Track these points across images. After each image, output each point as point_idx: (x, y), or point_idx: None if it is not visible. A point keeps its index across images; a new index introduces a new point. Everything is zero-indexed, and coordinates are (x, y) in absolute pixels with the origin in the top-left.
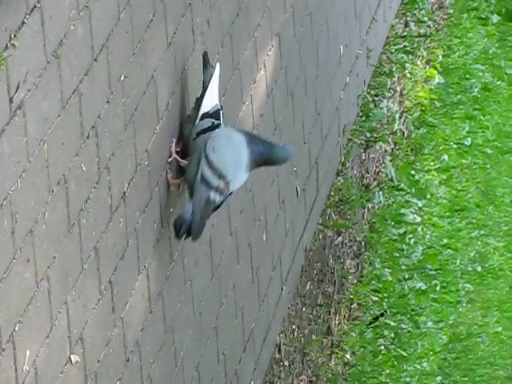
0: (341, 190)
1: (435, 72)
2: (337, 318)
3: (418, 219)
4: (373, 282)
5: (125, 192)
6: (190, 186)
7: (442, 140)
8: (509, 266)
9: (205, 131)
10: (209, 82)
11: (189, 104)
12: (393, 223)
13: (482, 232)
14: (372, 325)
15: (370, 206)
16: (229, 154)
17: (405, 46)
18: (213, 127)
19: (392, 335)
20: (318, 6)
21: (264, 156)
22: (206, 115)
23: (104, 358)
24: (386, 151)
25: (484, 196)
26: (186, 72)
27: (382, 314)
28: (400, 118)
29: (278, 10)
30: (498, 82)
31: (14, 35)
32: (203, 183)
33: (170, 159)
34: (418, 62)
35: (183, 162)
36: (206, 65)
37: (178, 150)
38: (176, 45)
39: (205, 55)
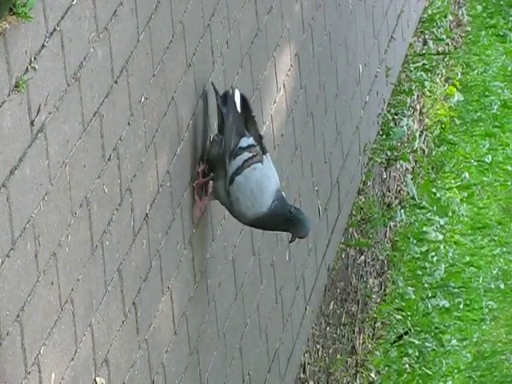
0: (362, 208)
1: (454, 90)
2: (361, 337)
3: (440, 237)
4: (396, 300)
5: (147, 213)
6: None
7: (463, 157)
8: None
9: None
10: (227, 109)
11: (210, 124)
12: (415, 241)
13: (505, 249)
14: (396, 343)
15: (391, 224)
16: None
17: (424, 64)
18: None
19: (416, 354)
20: (337, 25)
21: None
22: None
23: (129, 380)
24: (406, 169)
25: (505, 213)
26: (206, 92)
27: (406, 333)
28: (420, 136)
29: (296, 30)
30: None
31: (34, 58)
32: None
33: (196, 182)
34: (437, 80)
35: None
36: (216, 93)
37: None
38: (195, 66)
39: (212, 85)
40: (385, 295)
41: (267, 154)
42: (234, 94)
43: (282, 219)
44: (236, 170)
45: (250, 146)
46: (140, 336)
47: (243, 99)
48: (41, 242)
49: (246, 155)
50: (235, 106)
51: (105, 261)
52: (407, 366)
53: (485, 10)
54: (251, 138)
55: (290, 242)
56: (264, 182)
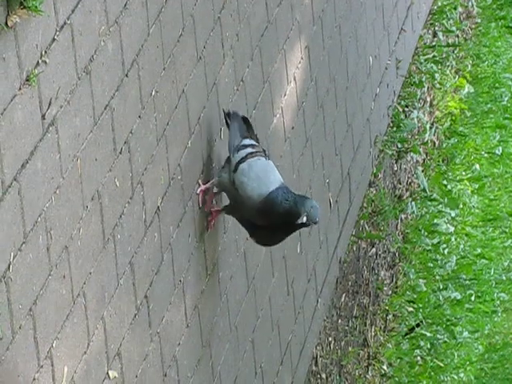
0: (373, 201)
1: (465, 81)
2: (373, 330)
3: (452, 229)
4: (408, 292)
5: (158, 207)
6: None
7: (473, 149)
8: None
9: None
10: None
11: (221, 118)
12: (426, 233)
13: None
14: (408, 336)
15: (403, 216)
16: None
17: (434, 56)
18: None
19: (428, 346)
20: (347, 17)
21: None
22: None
23: (142, 373)
24: (417, 161)
25: None
26: (216, 86)
27: (417, 325)
28: (431, 128)
29: (306, 23)
30: None
31: (45, 52)
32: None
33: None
34: (448, 72)
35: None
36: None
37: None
38: (206, 58)
39: (226, 116)
40: (396, 287)
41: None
42: (238, 113)
43: (284, 198)
44: (240, 160)
45: (252, 145)
46: (152, 329)
47: (246, 120)
48: (52, 235)
49: (250, 150)
50: (240, 119)
51: (116, 254)
52: (419, 358)
53: (494, 1)
54: (253, 141)
55: (301, 224)
56: (268, 169)
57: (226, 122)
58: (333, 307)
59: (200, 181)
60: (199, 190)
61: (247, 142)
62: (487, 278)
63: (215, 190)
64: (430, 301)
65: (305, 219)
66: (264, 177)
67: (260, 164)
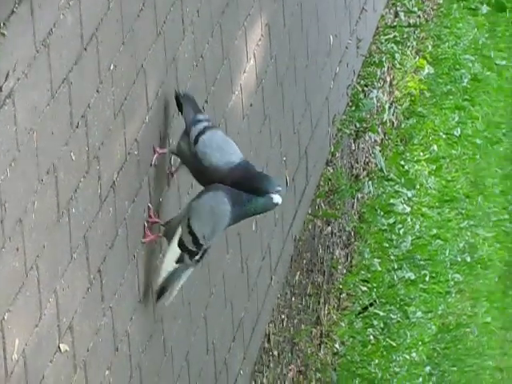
0: (330, 179)
1: (425, 62)
2: (326, 308)
3: (408, 209)
4: (362, 272)
5: (114, 181)
6: (169, 239)
7: (432, 130)
8: (498, 257)
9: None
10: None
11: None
12: (382, 213)
13: (472, 222)
14: (361, 315)
15: (359, 196)
16: (208, 227)
17: (395, 36)
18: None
19: (381, 325)
20: None
21: (248, 214)
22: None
23: (93, 347)
24: (375, 141)
25: (473, 186)
26: (175, 61)
27: (371, 304)
28: (390, 108)
29: (267, 0)
30: (488, 73)
31: (4, 24)
32: (179, 244)
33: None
34: (408, 52)
35: (161, 222)
36: (179, 102)
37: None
38: (166, 34)
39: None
40: (351, 266)
41: None
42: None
43: (254, 173)
44: (198, 133)
45: (207, 119)
46: (105, 303)
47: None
48: (7, 208)
49: (206, 123)
50: (192, 98)
51: (71, 228)
52: (372, 337)
53: None
54: (207, 115)
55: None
56: (228, 140)
57: (178, 102)
58: (287, 285)
59: (156, 147)
60: (156, 155)
61: (201, 117)
62: (442, 258)
63: (170, 155)
64: (385, 280)
65: (277, 199)
66: (226, 147)
67: (219, 135)
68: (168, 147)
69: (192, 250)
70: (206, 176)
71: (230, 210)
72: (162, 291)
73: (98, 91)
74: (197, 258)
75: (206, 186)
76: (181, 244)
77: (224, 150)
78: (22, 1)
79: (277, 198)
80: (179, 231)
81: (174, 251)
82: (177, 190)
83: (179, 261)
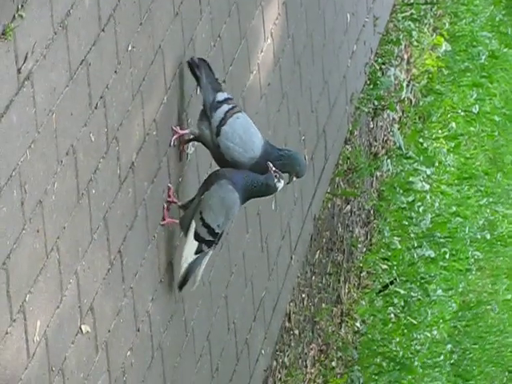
0: (349, 158)
1: (442, 39)
2: (346, 287)
3: (427, 187)
4: (382, 250)
5: (133, 162)
6: (184, 231)
7: (450, 108)
8: None
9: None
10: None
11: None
12: (401, 191)
13: (491, 199)
14: (382, 293)
15: (378, 174)
16: (221, 216)
17: (411, 14)
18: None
19: (402, 303)
20: None
21: (253, 194)
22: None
23: (114, 327)
24: (393, 119)
25: (492, 163)
26: (193, 41)
27: (391, 282)
28: (407, 85)
29: None
30: (505, 50)
31: (22, 6)
32: (196, 237)
33: (166, 205)
34: (425, 30)
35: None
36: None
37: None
38: (183, 14)
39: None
40: (371, 245)
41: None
42: (203, 60)
43: (277, 158)
44: (220, 122)
45: (227, 100)
46: (125, 284)
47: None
48: (27, 189)
49: (226, 107)
50: (207, 67)
51: (91, 209)
52: (392, 315)
53: None
54: (226, 93)
55: (288, 183)
56: (249, 128)
57: (193, 72)
58: (307, 264)
59: (175, 127)
60: (175, 135)
61: (221, 96)
62: (462, 236)
63: (190, 136)
64: (405, 258)
65: (294, 179)
66: (248, 139)
67: (240, 124)
68: (189, 128)
69: (209, 240)
70: (227, 166)
71: (238, 196)
72: (184, 280)
73: (116, 72)
74: (215, 244)
75: (210, 176)
76: (197, 236)
77: (246, 143)
78: None
79: (273, 178)
80: (193, 224)
81: (191, 244)
82: (196, 170)
83: (198, 251)
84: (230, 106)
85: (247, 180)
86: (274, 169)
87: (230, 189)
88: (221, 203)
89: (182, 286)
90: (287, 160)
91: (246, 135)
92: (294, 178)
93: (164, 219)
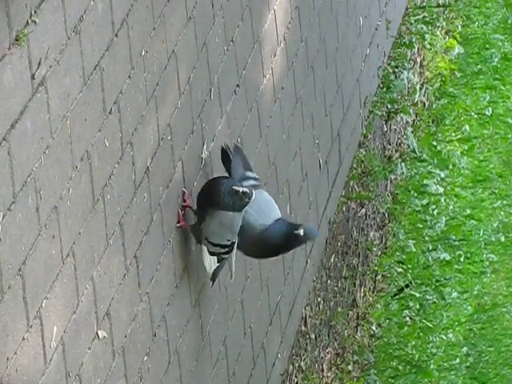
0: (363, 161)
1: (455, 42)
2: (362, 290)
3: (441, 190)
4: (397, 253)
5: (148, 167)
6: (194, 235)
7: (463, 110)
8: None
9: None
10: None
11: (211, 78)
12: (416, 194)
13: (505, 202)
14: (397, 296)
15: (392, 177)
16: (227, 234)
17: (424, 17)
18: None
19: (417, 306)
20: None
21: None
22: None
23: (131, 333)
24: (407, 122)
25: (506, 166)
26: (206, 46)
27: (406, 286)
28: (421, 88)
29: None
30: None
31: (35, 11)
32: (211, 254)
33: (182, 212)
34: (438, 33)
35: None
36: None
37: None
38: (196, 18)
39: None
40: (385, 248)
41: None
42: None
43: (287, 234)
44: None
45: (255, 178)
46: (141, 289)
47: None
48: (42, 195)
49: (253, 182)
50: (242, 152)
51: (106, 214)
52: (408, 318)
53: None
54: (255, 174)
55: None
56: (271, 202)
57: (226, 156)
58: (322, 268)
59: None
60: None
61: (251, 174)
62: (476, 238)
63: None
64: (420, 261)
65: (301, 232)
66: (267, 209)
67: (264, 195)
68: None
69: (225, 252)
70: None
71: (233, 213)
72: (214, 276)
73: (129, 77)
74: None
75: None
76: (212, 254)
77: (264, 212)
78: None
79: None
80: (204, 248)
81: (209, 260)
82: (210, 175)
83: (219, 260)
84: (258, 183)
85: (227, 185)
86: (241, 190)
87: (221, 213)
88: (220, 227)
89: (213, 280)
90: (286, 233)
91: (266, 206)
92: (302, 232)
93: (179, 222)
